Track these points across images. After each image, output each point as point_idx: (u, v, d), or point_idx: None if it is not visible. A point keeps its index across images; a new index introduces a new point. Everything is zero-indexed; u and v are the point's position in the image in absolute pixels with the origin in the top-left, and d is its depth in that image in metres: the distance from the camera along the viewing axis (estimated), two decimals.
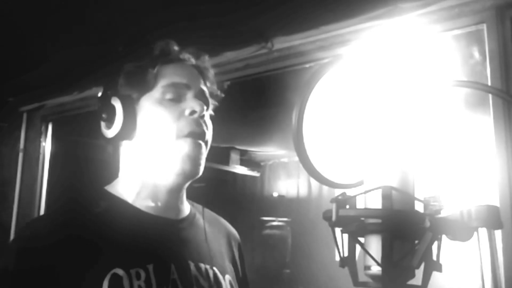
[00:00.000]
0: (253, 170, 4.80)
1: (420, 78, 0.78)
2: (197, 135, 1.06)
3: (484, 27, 1.62)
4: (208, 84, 1.15)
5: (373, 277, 0.71)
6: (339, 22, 1.84)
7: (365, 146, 0.78)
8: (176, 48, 1.13)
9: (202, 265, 1.06)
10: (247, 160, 4.66)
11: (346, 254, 0.73)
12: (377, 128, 0.77)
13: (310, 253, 4.01)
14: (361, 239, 0.73)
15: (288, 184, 4.81)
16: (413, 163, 0.74)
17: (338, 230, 0.74)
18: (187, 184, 1.10)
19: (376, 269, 0.70)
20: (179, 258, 1.03)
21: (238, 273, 1.18)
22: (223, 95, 1.19)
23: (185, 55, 1.13)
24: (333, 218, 0.71)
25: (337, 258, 0.74)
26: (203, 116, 1.08)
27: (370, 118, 0.79)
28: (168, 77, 1.08)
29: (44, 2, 1.81)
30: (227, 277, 1.10)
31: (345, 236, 0.74)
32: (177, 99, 1.07)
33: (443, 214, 0.70)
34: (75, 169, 2.83)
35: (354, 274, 0.73)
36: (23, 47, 2.18)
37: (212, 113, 1.15)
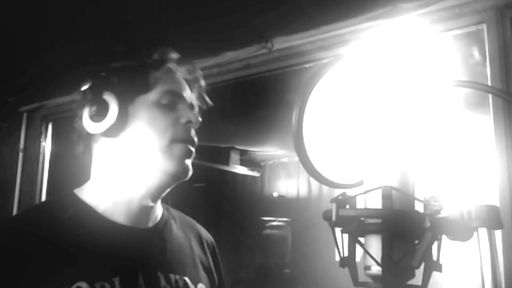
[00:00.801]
0: (253, 170, 4.80)
1: (420, 78, 0.78)
2: (189, 141, 1.08)
3: (484, 27, 1.61)
4: (199, 94, 1.17)
5: (373, 277, 0.71)
6: (339, 22, 1.84)
7: (365, 146, 0.78)
8: (174, 56, 1.15)
9: (172, 276, 1.04)
10: (247, 160, 4.66)
11: (346, 254, 0.73)
12: (377, 128, 0.77)
13: (310, 253, 4.01)
14: (361, 239, 0.73)
15: (288, 184, 4.81)
16: (413, 163, 0.74)
17: (338, 230, 0.74)
18: (170, 188, 1.10)
19: (376, 269, 0.70)
20: (147, 269, 1.02)
21: (213, 280, 1.17)
22: (211, 105, 1.21)
23: (181, 68, 1.15)
24: (333, 218, 0.71)
25: (337, 258, 0.74)
26: (196, 124, 1.10)
27: (370, 118, 0.79)
28: (167, 83, 1.09)
29: (44, 2, 1.81)
30: (200, 286, 1.09)
31: (345, 236, 0.74)
32: (172, 106, 1.08)
33: (443, 214, 0.70)
34: (75, 169, 2.84)
35: (354, 274, 0.73)
36: (23, 47, 2.18)
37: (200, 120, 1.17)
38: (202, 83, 1.18)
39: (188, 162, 1.07)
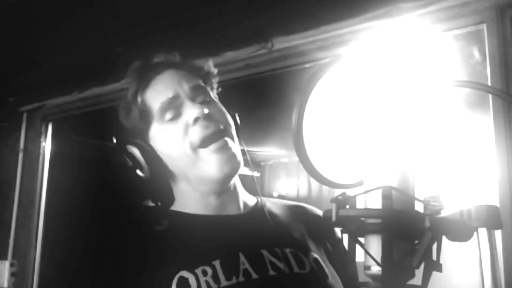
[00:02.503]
0: (253, 170, 4.79)
1: (420, 78, 0.78)
2: (211, 138, 1.04)
3: (484, 27, 1.62)
4: (194, 70, 1.13)
5: (373, 277, 0.71)
6: (339, 22, 1.84)
7: (365, 146, 0.78)
8: (150, 60, 1.12)
9: (277, 250, 1.02)
10: (247, 160, 4.65)
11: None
12: (377, 128, 0.77)
13: None
14: (361, 239, 0.73)
15: (288, 184, 4.81)
16: (413, 163, 0.74)
17: (338, 230, 0.74)
18: (233, 180, 1.10)
19: (376, 269, 0.70)
20: (248, 248, 1.01)
21: (328, 251, 1.11)
22: (215, 70, 1.17)
23: (161, 59, 1.12)
24: (333, 218, 0.71)
25: None
26: (208, 114, 1.04)
27: (370, 118, 0.79)
28: (155, 99, 1.06)
29: (44, 2, 1.81)
30: (312, 255, 1.05)
31: (345, 236, 0.74)
32: (177, 114, 1.05)
33: (443, 214, 0.70)
34: (75, 169, 2.84)
35: (354, 274, 0.73)
36: (23, 47, 2.18)
37: (217, 92, 1.15)
38: (195, 63, 1.15)
39: (226, 158, 1.05)
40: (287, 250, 1.03)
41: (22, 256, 2.61)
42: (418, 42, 1.72)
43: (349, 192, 0.74)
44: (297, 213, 1.17)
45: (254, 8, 1.79)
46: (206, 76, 1.15)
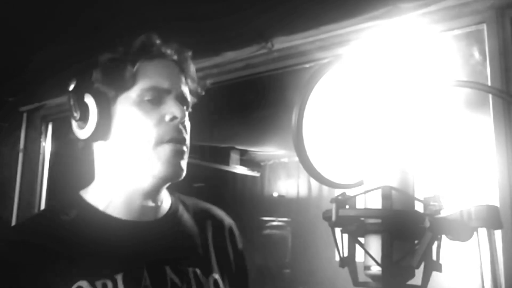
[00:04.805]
0: (253, 170, 4.80)
1: (420, 78, 0.78)
2: (178, 140, 1.01)
3: (484, 27, 1.62)
4: (189, 82, 1.09)
5: (373, 277, 0.71)
6: (339, 22, 1.84)
7: (365, 146, 0.78)
8: (158, 42, 1.06)
9: (180, 268, 1.01)
10: (247, 160, 4.66)
11: (346, 254, 0.73)
12: (377, 128, 0.77)
13: (310, 253, 4.01)
14: (361, 239, 0.73)
15: (288, 184, 4.81)
16: (413, 163, 0.74)
17: (338, 230, 0.74)
18: (166, 186, 1.06)
19: (376, 269, 0.70)
20: (153, 263, 0.98)
21: (230, 267, 1.11)
22: (203, 93, 1.13)
23: (167, 50, 1.06)
24: (333, 218, 0.71)
25: (337, 258, 0.74)
26: (184, 122, 1.02)
27: (370, 118, 0.79)
28: (148, 78, 1.01)
29: (44, 2, 1.81)
30: (213, 276, 1.05)
31: (345, 236, 0.74)
32: (157, 101, 1.01)
33: (443, 214, 0.70)
34: (75, 169, 2.83)
35: (354, 274, 0.73)
36: (23, 47, 2.18)
37: (190, 110, 1.09)
38: (192, 66, 1.09)
39: (179, 162, 1.01)
40: (190, 270, 1.02)
41: None
42: (418, 42, 1.72)
43: (349, 192, 0.74)
44: (205, 219, 1.14)
45: (254, 8, 1.78)
46: (195, 91, 1.11)
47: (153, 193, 1.04)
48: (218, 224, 1.16)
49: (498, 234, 0.70)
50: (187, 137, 1.04)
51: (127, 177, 1.02)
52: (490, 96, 1.56)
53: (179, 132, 1.01)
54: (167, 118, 1.00)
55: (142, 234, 1.02)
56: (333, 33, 1.87)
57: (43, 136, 2.75)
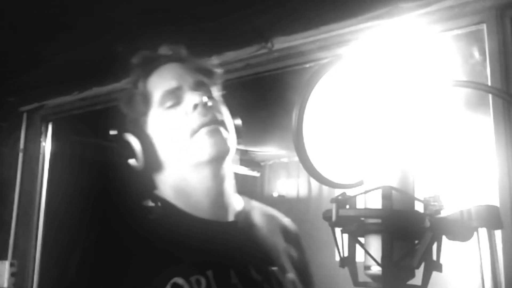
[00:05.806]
0: (253, 170, 4.80)
1: (420, 78, 0.78)
2: (207, 123, 1.03)
3: (484, 27, 1.62)
4: (198, 67, 1.13)
5: (373, 277, 0.71)
6: (339, 22, 1.84)
7: (365, 146, 0.78)
8: (156, 54, 1.12)
9: (262, 268, 1.03)
10: (247, 160, 4.66)
11: (346, 254, 0.73)
12: (377, 128, 0.77)
13: (310, 253, 4.00)
14: (361, 239, 0.73)
15: (288, 184, 4.81)
16: (413, 163, 0.74)
17: (338, 230, 0.74)
18: (224, 169, 1.07)
19: (376, 269, 0.70)
20: (237, 263, 1.02)
21: (297, 269, 1.14)
22: (220, 71, 1.17)
23: (167, 54, 1.12)
24: (333, 218, 0.71)
25: (337, 258, 0.74)
26: (207, 104, 1.05)
27: (370, 118, 0.79)
28: (158, 87, 1.07)
29: (44, 2, 1.81)
30: (289, 275, 1.07)
31: (345, 236, 0.74)
32: (178, 102, 1.06)
33: (443, 214, 0.70)
34: (75, 169, 2.84)
35: (354, 274, 0.73)
36: (23, 47, 2.18)
37: (220, 92, 1.14)
38: (196, 59, 1.14)
39: (217, 140, 1.03)
40: (269, 270, 1.05)
41: (22, 256, 2.61)
42: (418, 42, 1.72)
43: (349, 192, 0.74)
44: (274, 223, 1.19)
45: (254, 8, 1.79)
46: (209, 74, 1.15)
47: (215, 179, 1.06)
48: (284, 229, 1.20)
49: (498, 234, 0.70)
50: (220, 116, 1.07)
51: (187, 178, 1.06)
52: (490, 96, 1.56)
53: (206, 115, 1.04)
54: (189, 108, 1.04)
55: (222, 234, 1.05)
56: (333, 33, 1.87)
57: (43, 136, 2.75)
